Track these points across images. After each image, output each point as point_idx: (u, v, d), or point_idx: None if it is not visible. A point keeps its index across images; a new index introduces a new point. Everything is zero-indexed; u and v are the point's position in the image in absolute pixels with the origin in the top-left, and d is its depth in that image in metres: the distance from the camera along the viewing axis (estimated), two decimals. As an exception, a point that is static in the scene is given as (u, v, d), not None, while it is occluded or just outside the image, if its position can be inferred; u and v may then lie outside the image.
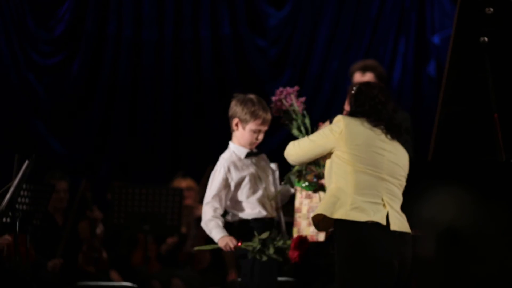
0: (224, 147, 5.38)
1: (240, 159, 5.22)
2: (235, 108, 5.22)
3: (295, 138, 5.07)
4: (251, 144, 5.23)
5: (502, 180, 4.57)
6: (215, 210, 5.12)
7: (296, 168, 5.07)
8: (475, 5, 5.06)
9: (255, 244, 4.98)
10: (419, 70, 9.18)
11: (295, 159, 4.69)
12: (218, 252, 6.43)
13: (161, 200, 7.34)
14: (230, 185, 5.17)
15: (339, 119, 4.57)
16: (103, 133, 9.29)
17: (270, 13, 9.35)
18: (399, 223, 4.33)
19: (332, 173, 4.50)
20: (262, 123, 5.18)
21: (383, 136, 4.53)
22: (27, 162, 5.32)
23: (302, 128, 5.23)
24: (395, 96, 9.06)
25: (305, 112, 5.28)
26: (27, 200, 5.67)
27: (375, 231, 4.28)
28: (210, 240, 5.26)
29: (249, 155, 5.22)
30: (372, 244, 4.29)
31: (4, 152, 8.71)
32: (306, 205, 5.06)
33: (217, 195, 5.15)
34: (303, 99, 5.31)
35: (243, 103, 5.20)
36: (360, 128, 4.52)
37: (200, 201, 8.46)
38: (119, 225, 7.51)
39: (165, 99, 9.32)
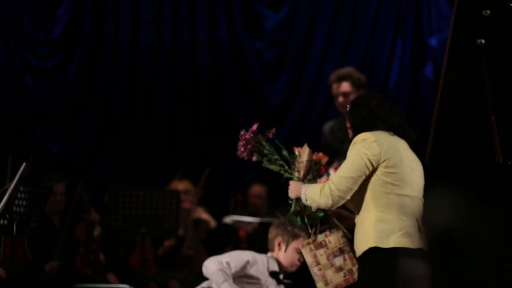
0: (222, 149, 5.39)
1: (265, 268, 5.38)
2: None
3: (278, 174, 4.67)
4: (292, 266, 5.46)
5: (499, 182, 4.57)
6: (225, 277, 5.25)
7: (293, 209, 4.51)
8: (472, 7, 5.07)
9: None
10: (416, 72, 9.18)
11: (336, 203, 4.16)
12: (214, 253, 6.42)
13: (158, 203, 7.34)
14: (244, 269, 5.34)
15: (366, 137, 4.18)
16: (101, 135, 9.29)
17: (267, 15, 9.35)
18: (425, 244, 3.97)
19: (368, 198, 4.11)
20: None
21: (404, 144, 4.32)
22: (24, 164, 5.32)
23: (280, 161, 4.87)
24: (391, 98, 9.09)
25: (278, 143, 4.78)
26: (24, 203, 5.66)
27: (421, 257, 3.90)
28: (206, 243, 5.32)
29: (274, 275, 5.41)
30: (421, 274, 3.89)
31: (1, 154, 8.71)
32: (323, 253, 4.47)
33: (232, 268, 5.30)
34: (272, 130, 4.82)
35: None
36: (390, 141, 4.23)
37: (197, 203, 8.49)
38: (116, 227, 7.50)
39: (163, 101, 9.32)
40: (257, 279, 5.38)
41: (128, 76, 9.30)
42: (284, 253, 5.36)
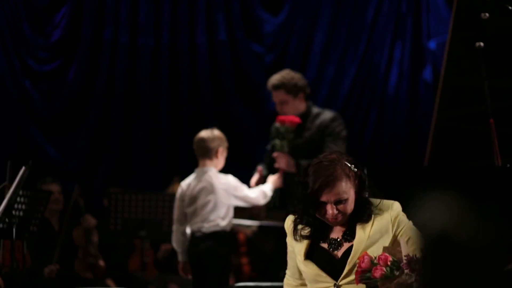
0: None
1: None
2: None
3: None
4: None
5: (498, 185, 4.57)
6: None
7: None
8: (471, 11, 5.07)
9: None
10: (415, 75, 9.19)
11: None
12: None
13: (157, 206, 7.34)
14: None
15: (401, 214, 3.61)
16: (99, 139, 9.29)
17: (266, 19, 9.35)
18: None
19: None
20: None
21: None
22: (23, 168, 5.32)
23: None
24: (390, 101, 9.10)
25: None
26: (23, 207, 5.67)
27: None
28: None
29: None
30: None
31: (0, 158, 8.71)
32: None
33: None
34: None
35: None
36: None
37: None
38: (115, 231, 7.51)
39: (162, 105, 9.33)
40: None
41: (127, 80, 9.30)
42: None
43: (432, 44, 9.08)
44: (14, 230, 5.34)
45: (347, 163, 3.53)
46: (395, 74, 9.17)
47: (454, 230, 1.97)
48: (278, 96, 6.46)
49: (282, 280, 3.81)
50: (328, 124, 6.51)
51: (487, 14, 5.03)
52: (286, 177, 6.38)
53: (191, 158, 9.36)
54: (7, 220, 5.35)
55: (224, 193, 6.20)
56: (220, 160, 6.34)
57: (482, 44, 5.02)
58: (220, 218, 6.18)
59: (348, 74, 9.20)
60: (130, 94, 9.32)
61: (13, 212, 5.40)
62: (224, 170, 6.49)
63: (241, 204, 6.25)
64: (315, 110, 6.62)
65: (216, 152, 6.30)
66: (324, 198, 3.47)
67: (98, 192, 8.88)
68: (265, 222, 8.10)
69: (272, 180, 6.42)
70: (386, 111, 9.18)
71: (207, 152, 6.32)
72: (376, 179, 4.61)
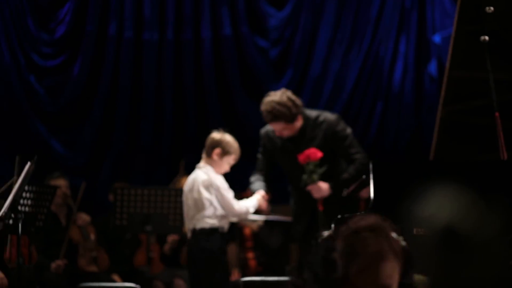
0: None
1: None
2: None
3: None
4: None
5: (504, 179, 4.56)
6: None
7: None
8: (476, 4, 5.07)
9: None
10: (420, 69, 9.18)
11: None
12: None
13: (163, 201, 7.35)
14: None
15: None
16: (105, 134, 9.30)
17: (271, 13, 9.34)
18: None
19: None
20: None
21: None
22: (29, 163, 5.32)
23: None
24: (395, 95, 9.09)
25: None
26: (29, 202, 5.67)
27: None
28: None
29: None
30: None
31: (6, 153, 8.72)
32: None
33: None
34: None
35: None
36: None
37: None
38: (121, 226, 7.52)
39: (166, 100, 9.32)
40: None
41: (132, 75, 9.30)
42: None
43: (437, 38, 9.06)
44: (20, 225, 5.35)
45: (394, 234, 2.50)
46: (400, 68, 9.15)
47: (460, 224, 1.97)
48: (277, 126, 6.48)
49: (287, 274, 3.81)
50: (335, 129, 6.54)
51: (491, 8, 5.03)
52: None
53: (196, 153, 9.39)
54: (13, 215, 5.36)
55: (206, 192, 6.17)
56: (218, 163, 6.30)
57: (487, 37, 5.02)
58: (207, 216, 6.15)
59: (353, 68, 9.19)
60: (135, 89, 9.32)
61: (19, 208, 5.41)
62: (231, 166, 6.49)
63: (220, 209, 6.18)
64: (311, 116, 6.61)
65: (211, 152, 6.29)
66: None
67: (103, 187, 8.89)
68: (271, 217, 8.11)
69: (257, 199, 6.43)
70: (391, 105, 9.17)
71: (206, 149, 6.33)
72: (382, 174, 4.61)
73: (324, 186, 6.37)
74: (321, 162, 6.33)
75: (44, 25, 9.19)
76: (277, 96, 6.52)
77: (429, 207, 4.17)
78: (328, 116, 6.63)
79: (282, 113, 6.39)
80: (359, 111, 9.17)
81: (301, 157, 6.38)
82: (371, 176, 4.52)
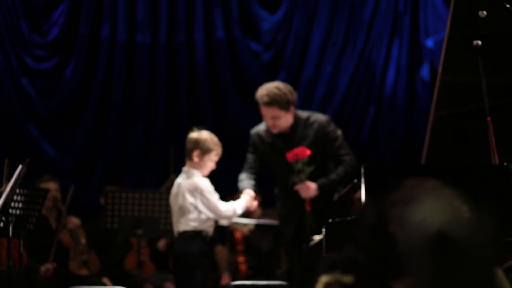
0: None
1: None
2: None
3: None
4: None
5: (495, 184, 4.56)
6: None
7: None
8: (469, 9, 5.06)
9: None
10: (412, 73, 9.19)
11: None
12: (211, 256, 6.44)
13: (154, 205, 7.33)
14: None
15: None
16: (96, 137, 9.29)
17: (264, 16, 9.35)
18: None
19: None
20: None
21: None
22: (20, 166, 5.31)
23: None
24: (388, 99, 9.10)
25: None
26: (20, 205, 5.66)
27: None
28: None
29: None
30: None
31: (-3, 156, 8.71)
32: None
33: None
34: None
35: None
36: None
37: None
38: (112, 229, 7.50)
39: (159, 103, 9.32)
40: None
41: (124, 78, 9.30)
42: None
43: (429, 42, 9.08)
44: (10, 228, 5.34)
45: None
46: (392, 72, 9.17)
47: (451, 228, 1.95)
48: (270, 112, 6.43)
49: (278, 278, 3.80)
50: (326, 130, 6.52)
51: (484, 12, 5.03)
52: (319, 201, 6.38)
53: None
54: (4, 218, 5.34)
55: (191, 197, 6.10)
56: (200, 164, 6.21)
57: (479, 42, 5.02)
58: (191, 220, 6.10)
59: (345, 72, 9.20)
60: (127, 92, 9.32)
61: (10, 210, 5.40)
62: (221, 166, 6.46)
63: (207, 213, 6.12)
64: (302, 116, 6.60)
65: (191, 155, 6.22)
66: None
67: (94, 190, 8.87)
68: (262, 221, 8.10)
69: (245, 200, 6.38)
70: (383, 109, 9.18)
71: (186, 153, 6.29)
72: (373, 177, 4.60)
73: (312, 186, 6.35)
74: (310, 161, 6.30)
75: (37, 27, 9.18)
76: (273, 83, 6.57)
77: (420, 211, 4.17)
78: (319, 117, 6.62)
79: (278, 97, 6.38)
80: (352, 115, 9.18)
81: (290, 155, 6.36)
82: (362, 179, 4.51)
